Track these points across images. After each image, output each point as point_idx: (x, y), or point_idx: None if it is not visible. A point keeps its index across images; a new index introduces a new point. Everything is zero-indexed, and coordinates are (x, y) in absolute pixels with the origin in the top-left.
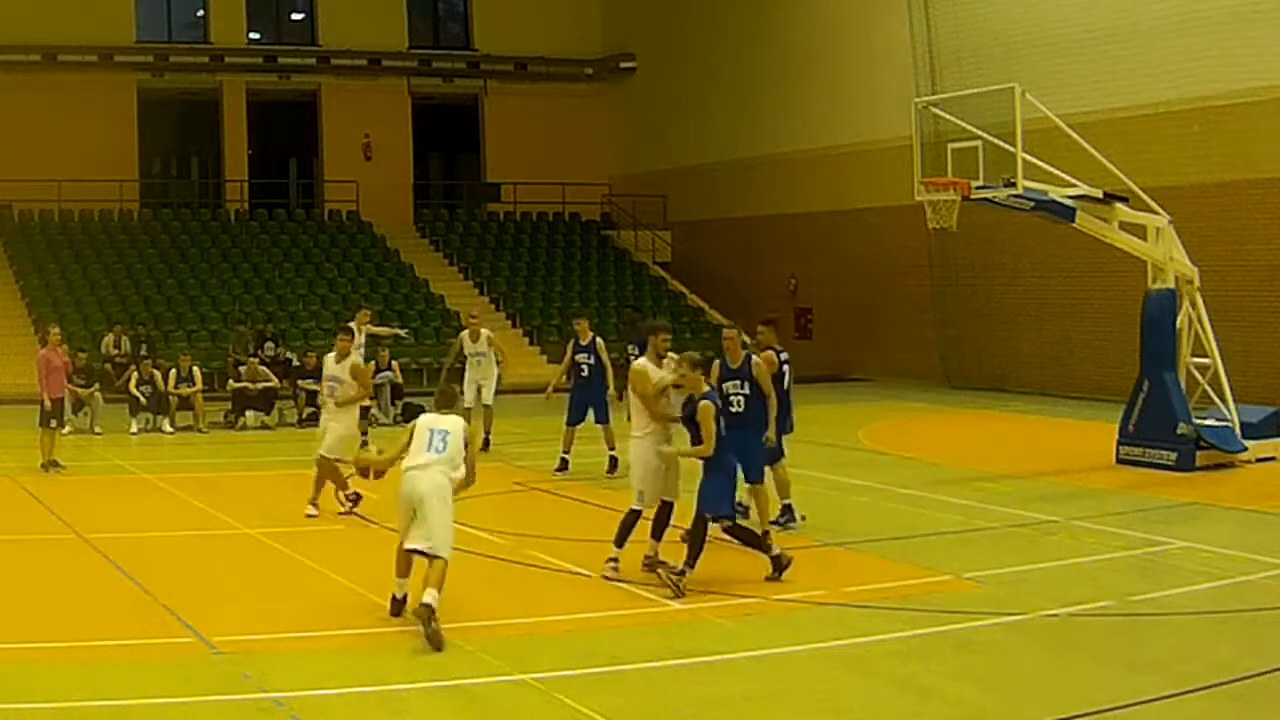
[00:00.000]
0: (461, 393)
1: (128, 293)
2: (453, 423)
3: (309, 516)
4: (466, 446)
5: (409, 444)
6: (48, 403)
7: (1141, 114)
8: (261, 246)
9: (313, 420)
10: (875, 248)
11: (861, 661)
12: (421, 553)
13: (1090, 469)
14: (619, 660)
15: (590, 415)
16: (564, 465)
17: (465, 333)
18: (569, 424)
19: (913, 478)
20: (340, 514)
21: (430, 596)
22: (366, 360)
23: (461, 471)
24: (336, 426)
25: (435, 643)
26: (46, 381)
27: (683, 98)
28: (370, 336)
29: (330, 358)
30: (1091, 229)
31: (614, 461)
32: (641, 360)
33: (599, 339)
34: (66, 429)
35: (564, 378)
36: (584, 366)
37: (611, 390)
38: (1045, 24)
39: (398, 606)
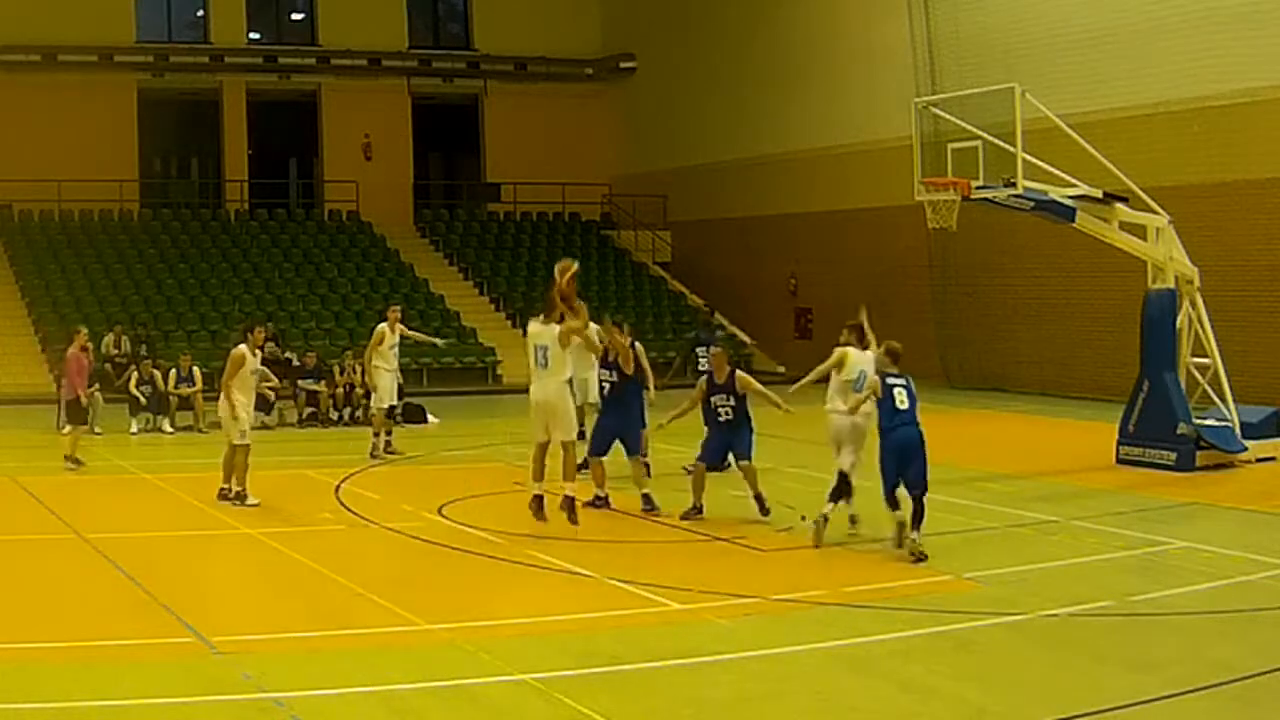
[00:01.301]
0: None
1: (128, 293)
2: (550, 335)
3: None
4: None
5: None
6: (84, 399)
7: (1141, 114)
8: (261, 246)
9: (313, 420)
10: (875, 248)
11: (861, 661)
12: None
13: (1090, 469)
14: (619, 660)
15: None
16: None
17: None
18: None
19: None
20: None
21: (569, 489)
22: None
23: (568, 371)
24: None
25: (570, 519)
26: (76, 380)
27: (683, 98)
28: (402, 337)
29: (245, 350)
30: (1091, 229)
31: (646, 468)
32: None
33: (638, 343)
34: (66, 429)
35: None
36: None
37: (651, 392)
38: (1045, 24)
39: (538, 504)
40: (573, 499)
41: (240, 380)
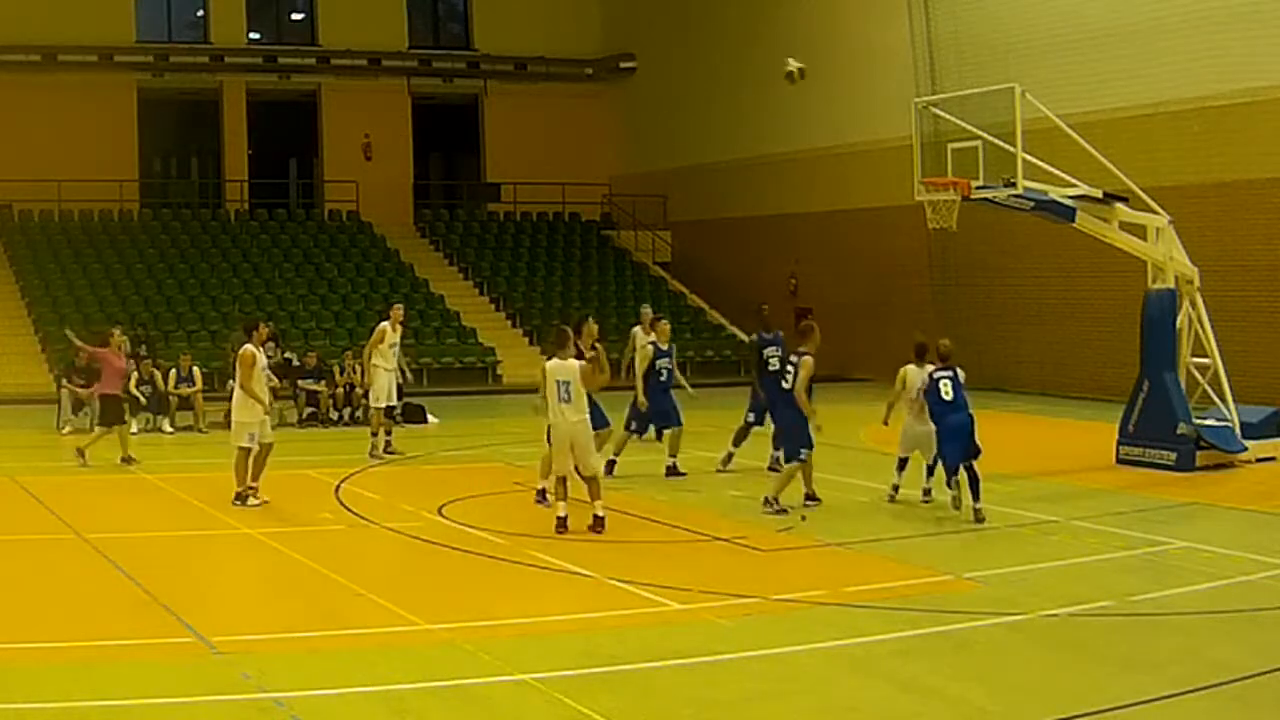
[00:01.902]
0: (575, 339)
1: (128, 293)
2: (569, 371)
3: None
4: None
5: (545, 395)
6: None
7: (1141, 114)
8: (261, 246)
9: (313, 420)
10: (875, 248)
11: (861, 661)
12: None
13: (1090, 469)
14: (619, 660)
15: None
16: (609, 466)
17: (638, 328)
18: (638, 432)
19: (913, 478)
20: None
21: (599, 508)
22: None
23: (586, 403)
24: None
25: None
26: (113, 380)
27: (683, 98)
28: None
29: (253, 348)
30: (1091, 229)
31: (672, 468)
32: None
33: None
34: (66, 429)
35: (643, 384)
36: (664, 371)
37: (688, 389)
38: (1045, 24)
39: (562, 525)
40: (602, 516)
41: (255, 379)
